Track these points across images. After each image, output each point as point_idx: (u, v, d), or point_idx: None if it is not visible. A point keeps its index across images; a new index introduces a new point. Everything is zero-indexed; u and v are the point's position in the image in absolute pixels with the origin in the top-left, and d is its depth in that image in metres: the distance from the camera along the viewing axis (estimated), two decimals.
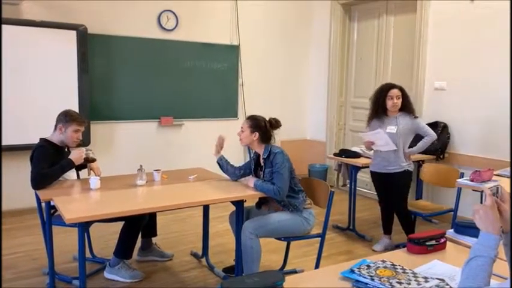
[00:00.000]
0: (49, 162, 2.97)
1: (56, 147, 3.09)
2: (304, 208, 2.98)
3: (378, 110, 3.68)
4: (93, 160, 3.25)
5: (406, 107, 3.67)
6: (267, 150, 2.98)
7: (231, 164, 3.28)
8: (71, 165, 3.04)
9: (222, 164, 3.28)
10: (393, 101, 3.60)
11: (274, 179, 2.88)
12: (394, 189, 3.73)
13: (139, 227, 3.16)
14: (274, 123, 3.06)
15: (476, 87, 4.35)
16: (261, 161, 3.03)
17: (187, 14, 5.40)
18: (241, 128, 3.07)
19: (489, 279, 1.28)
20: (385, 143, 3.61)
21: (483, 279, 1.26)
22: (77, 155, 3.05)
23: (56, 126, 3.10)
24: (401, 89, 3.66)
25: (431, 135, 3.67)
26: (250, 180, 3.01)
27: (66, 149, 3.22)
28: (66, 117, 3.07)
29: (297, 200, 2.97)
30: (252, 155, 3.25)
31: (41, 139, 3.10)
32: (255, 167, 3.16)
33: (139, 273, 3.18)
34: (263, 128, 3.01)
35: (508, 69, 3.91)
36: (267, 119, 3.07)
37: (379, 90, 3.72)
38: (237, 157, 5.95)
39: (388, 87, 3.68)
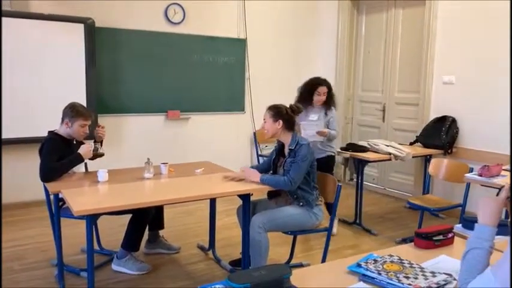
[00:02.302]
0: (58, 155, 2.99)
1: (64, 140, 3.11)
2: (316, 204, 2.98)
3: (305, 100, 3.98)
4: (102, 155, 3.26)
5: (330, 101, 4.05)
6: (294, 140, 2.96)
7: (267, 172, 3.15)
8: (79, 159, 3.07)
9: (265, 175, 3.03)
10: (320, 96, 3.98)
11: (291, 169, 2.87)
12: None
13: (146, 220, 3.18)
14: (296, 109, 3.05)
15: (485, 81, 4.31)
16: (286, 150, 3.01)
17: (194, 7, 5.38)
18: (264, 119, 3.03)
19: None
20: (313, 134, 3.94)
21: (480, 271, 1.25)
22: (85, 149, 3.08)
23: (62, 119, 3.12)
24: (328, 86, 4.03)
25: (336, 131, 4.05)
26: (254, 175, 2.94)
27: (74, 142, 3.25)
28: (72, 112, 3.08)
29: (310, 196, 2.96)
30: (275, 145, 3.21)
31: (49, 132, 3.12)
32: (276, 156, 3.13)
33: (147, 266, 3.20)
34: (285, 115, 2.97)
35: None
36: (288, 105, 3.05)
37: (309, 84, 4.05)
38: (244, 151, 5.97)
39: (317, 82, 4.03)
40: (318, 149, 3.94)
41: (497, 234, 1.92)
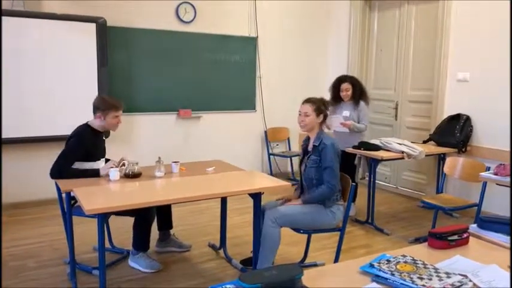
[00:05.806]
0: (84, 149, 3.03)
1: (94, 132, 3.15)
2: (335, 204, 2.96)
3: (336, 98, 4.47)
4: (139, 174, 3.07)
5: (356, 96, 4.38)
6: (319, 137, 2.95)
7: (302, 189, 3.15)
8: (96, 176, 3.01)
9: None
10: (343, 93, 4.40)
11: (326, 175, 2.87)
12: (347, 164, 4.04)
13: (148, 221, 3.15)
14: (327, 104, 3.09)
15: (501, 78, 4.22)
16: (310, 146, 3.00)
17: (206, 6, 5.38)
18: (304, 112, 2.96)
19: None
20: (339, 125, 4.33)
21: None
22: (106, 171, 2.99)
23: (94, 113, 3.13)
24: (351, 82, 4.40)
25: (363, 125, 4.38)
26: (296, 200, 2.97)
27: (103, 137, 3.30)
28: (103, 105, 3.11)
29: None
30: (302, 143, 3.20)
31: (83, 124, 3.15)
32: (302, 158, 3.12)
33: (157, 264, 3.21)
34: (324, 110, 3.00)
35: None
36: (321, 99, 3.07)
37: (334, 82, 4.49)
38: (255, 150, 5.95)
39: (339, 79, 4.46)
40: (345, 141, 4.15)
41: (497, 232, 1.88)
